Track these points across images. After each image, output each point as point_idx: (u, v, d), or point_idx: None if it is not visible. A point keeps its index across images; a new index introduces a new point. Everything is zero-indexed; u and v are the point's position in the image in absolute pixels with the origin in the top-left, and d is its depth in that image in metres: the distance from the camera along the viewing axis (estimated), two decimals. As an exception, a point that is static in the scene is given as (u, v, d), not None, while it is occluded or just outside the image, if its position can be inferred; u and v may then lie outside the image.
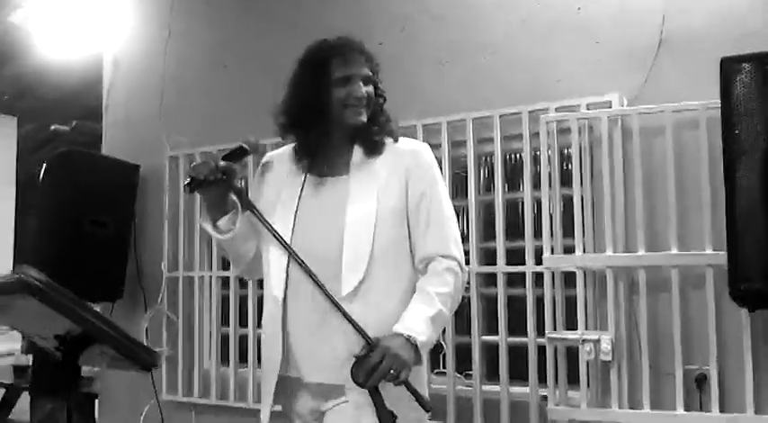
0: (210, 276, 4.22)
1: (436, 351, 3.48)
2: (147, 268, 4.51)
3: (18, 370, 5.71)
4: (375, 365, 1.90)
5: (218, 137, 4.08)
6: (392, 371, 1.90)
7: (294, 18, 4.07)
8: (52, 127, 9.60)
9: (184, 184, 2.15)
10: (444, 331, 3.43)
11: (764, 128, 2.42)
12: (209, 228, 2.25)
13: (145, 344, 2.10)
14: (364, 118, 2.17)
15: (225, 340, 4.16)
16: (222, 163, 2.11)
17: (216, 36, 4.41)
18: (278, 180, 2.28)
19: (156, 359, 2.01)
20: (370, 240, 2.06)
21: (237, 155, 2.17)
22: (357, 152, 2.22)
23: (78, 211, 4.23)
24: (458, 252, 2.14)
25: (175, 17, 4.54)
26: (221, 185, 2.14)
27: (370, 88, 2.19)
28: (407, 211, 2.15)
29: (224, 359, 4.17)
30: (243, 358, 4.08)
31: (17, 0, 7.22)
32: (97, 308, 4.72)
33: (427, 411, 1.91)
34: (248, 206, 2.17)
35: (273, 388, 2.17)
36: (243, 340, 4.09)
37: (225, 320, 4.17)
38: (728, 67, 2.51)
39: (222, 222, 2.22)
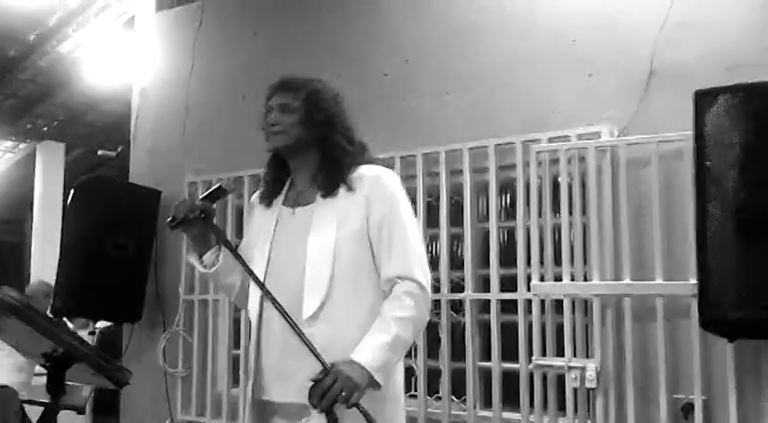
0: (224, 300, 4.36)
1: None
2: (165, 291, 4.68)
3: (52, 388, 5.92)
4: (327, 388, 1.99)
5: (235, 164, 4.26)
6: (343, 393, 1.98)
7: (307, 53, 4.21)
8: (99, 152, 10.01)
9: (166, 222, 2.31)
10: (437, 356, 3.51)
11: (735, 159, 2.45)
12: (194, 262, 2.40)
13: (120, 364, 2.21)
14: (277, 143, 2.27)
15: (237, 362, 4.29)
16: (200, 203, 2.27)
17: (235, 70, 4.59)
18: (261, 215, 2.43)
19: (127, 377, 2.13)
20: (330, 266, 2.17)
21: (215, 195, 2.33)
22: None
23: (102, 234, 4.43)
24: (420, 273, 2.19)
25: (198, 52, 4.75)
26: (200, 223, 2.29)
27: (291, 116, 2.26)
28: (369, 235, 2.22)
29: (236, 381, 4.29)
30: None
31: (66, 31, 7.57)
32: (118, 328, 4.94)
33: None
34: (224, 243, 2.31)
35: (249, 410, 2.28)
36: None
37: (237, 343, 4.30)
38: (702, 99, 2.55)
39: (207, 257, 2.37)
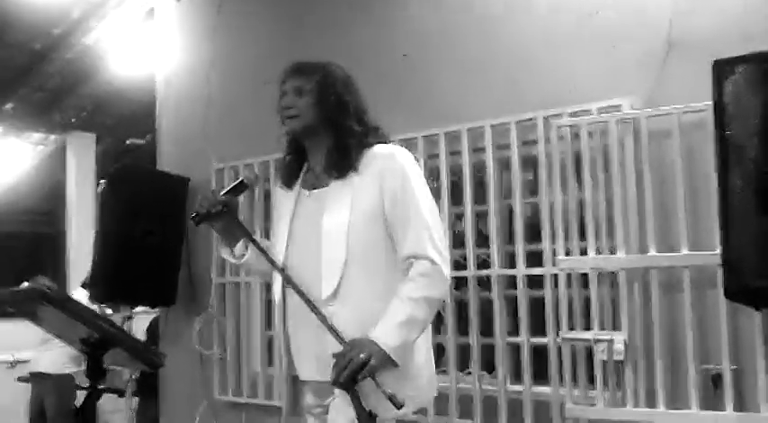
0: (256, 282, 4.43)
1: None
2: (198, 275, 4.77)
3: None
4: (344, 356, 2.08)
5: (260, 149, 4.31)
6: (362, 355, 2.06)
7: (327, 36, 4.24)
8: (128, 141, 10.12)
9: (190, 217, 2.38)
10: (466, 332, 3.56)
11: (756, 128, 2.43)
12: (224, 254, 2.49)
13: (153, 347, 2.29)
14: (293, 126, 2.34)
15: (271, 342, 4.37)
16: (222, 197, 2.35)
17: (255, 55, 4.63)
18: (282, 199, 2.50)
19: (161, 360, 2.21)
20: (344, 247, 2.23)
21: (237, 189, 2.40)
22: None
23: (134, 222, 4.52)
24: (433, 251, 2.22)
25: (218, 39, 4.79)
26: (223, 217, 2.36)
27: (303, 99, 2.33)
28: (384, 213, 2.26)
29: (271, 361, 4.38)
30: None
31: (90, 23, 7.65)
32: (155, 313, 5.06)
33: (398, 409, 2.05)
34: (246, 236, 2.38)
35: (288, 387, 2.42)
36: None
37: (270, 324, 4.37)
38: (721, 68, 2.53)
39: (237, 248, 2.45)
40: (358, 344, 2.10)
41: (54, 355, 6.11)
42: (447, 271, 2.25)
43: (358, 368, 2.05)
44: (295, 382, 2.43)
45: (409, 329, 2.16)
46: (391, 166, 2.28)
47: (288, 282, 2.24)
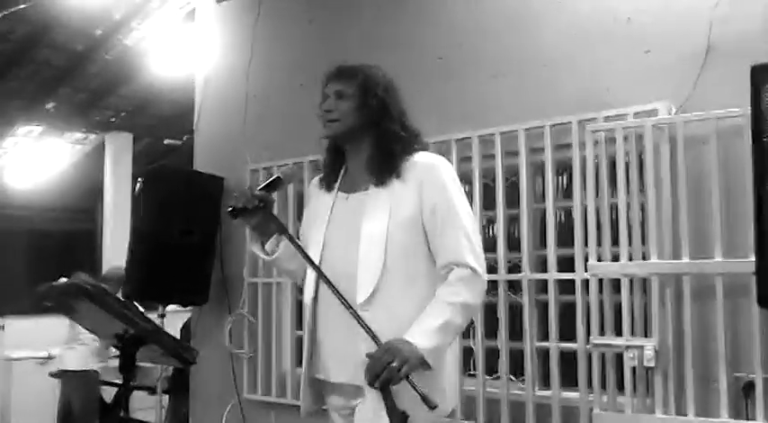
0: (287, 282, 4.46)
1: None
2: (230, 274, 4.82)
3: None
4: (380, 359, 2.07)
5: (295, 150, 4.35)
6: (394, 364, 2.04)
7: (360, 40, 4.27)
8: (165, 141, 10.25)
9: (227, 211, 2.41)
10: (495, 336, 3.55)
11: (794, 135, 2.41)
12: (256, 250, 2.51)
13: (187, 344, 2.32)
14: (333, 130, 2.36)
15: (301, 343, 4.39)
16: (258, 193, 2.37)
17: (292, 57, 4.68)
18: (318, 200, 2.51)
19: (194, 356, 2.24)
20: (382, 253, 2.24)
21: (274, 185, 2.41)
22: None
23: (169, 221, 4.58)
24: (472, 259, 2.24)
25: (256, 41, 4.84)
26: (259, 212, 2.37)
27: (345, 103, 2.33)
28: (423, 222, 2.28)
29: (300, 361, 4.40)
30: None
31: (130, 24, 7.77)
32: (188, 311, 5.12)
33: (432, 409, 2.04)
34: (282, 231, 2.39)
35: (306, 387, 2.43)
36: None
37: (300, 324, 4.40)
38: (759, 74, 2.50)
39: (268, 244, 2.47)
40: (393, 345, 2.09)
41: (78, 352, 6.21)
42: (485, 279, 2.27)
43: (395, 370, 2.04)
44: (315, 383, 2.44)
45: (445, 334, 2.18)
46: (433, 177, 2.30)
47: (323, 279, 2.25)
